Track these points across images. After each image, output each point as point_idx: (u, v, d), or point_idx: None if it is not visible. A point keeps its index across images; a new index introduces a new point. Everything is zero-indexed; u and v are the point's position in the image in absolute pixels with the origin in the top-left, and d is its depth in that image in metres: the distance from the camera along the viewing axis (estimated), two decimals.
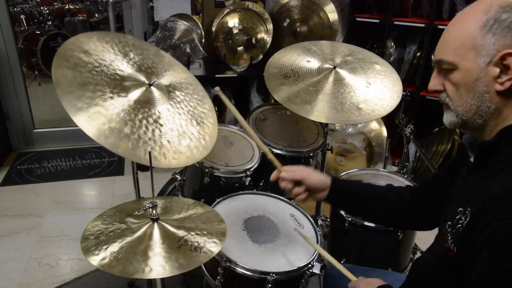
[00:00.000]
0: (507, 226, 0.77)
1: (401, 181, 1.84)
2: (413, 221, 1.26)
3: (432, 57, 2.89)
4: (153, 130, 1.32)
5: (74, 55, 1.32)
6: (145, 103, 1.36)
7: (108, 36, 1.47)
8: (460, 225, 0.88)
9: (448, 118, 0.95)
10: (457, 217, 0.89)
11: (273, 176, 1.30)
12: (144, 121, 1.32)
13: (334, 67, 1.80)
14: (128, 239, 1.14)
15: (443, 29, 0.96)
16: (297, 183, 1.26)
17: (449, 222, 0.92)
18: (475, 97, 0.88)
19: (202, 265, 1.40)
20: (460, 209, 0.89)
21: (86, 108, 1.23)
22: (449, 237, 0.90)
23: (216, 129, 1.52)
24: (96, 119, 1.23)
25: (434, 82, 0.96)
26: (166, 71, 1.54)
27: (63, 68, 1.27)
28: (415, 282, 1.07)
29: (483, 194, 0.84)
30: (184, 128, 1.41)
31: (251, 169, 1.76)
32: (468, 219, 0.86)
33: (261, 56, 3.10)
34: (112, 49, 1.43)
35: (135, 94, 1.36)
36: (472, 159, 0.96)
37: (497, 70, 0.85)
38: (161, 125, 1.35)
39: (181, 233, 1.18)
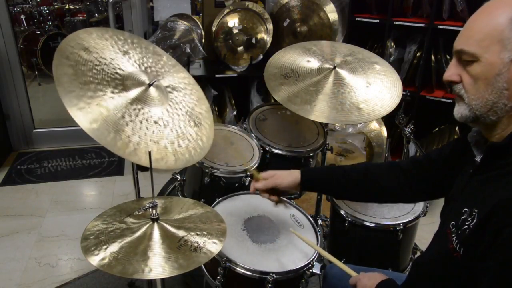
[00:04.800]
0: None
1: None
2: (394, 197, 1.29)
3: (431, 57, 2.89)
4: (153, 132, 1.32)
5: (74, 52, 1.32)
6: (145, 103, 1.36)
7: (108, 33, 1.46)
8: (466, 227, 0.86)
9: (460, 111, 0.91)
10: (462, 218, 0.87)
11: (251, 187, 1.36)
12: (145, 122, 1.31)
13: (334, 67, 1.80)
14: (128, 239, 1.14)
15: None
16: (272, 189, 1.33)
17: (453, 222, 0.90)
18: (493, 92, 0.85)
19: (202, 265, 1.40)
20: (466, 209, 0.87)
21: (87, 107, 1.23)
22: (454, 238, 0.88)
23: (213, 130, 1.52)
24: (96, 119, 1.23)
25: (451, 73, 0.91)
26: (165, 71, 1.54)
27: (64, 66, 1.27)
28: (416, 280, 1.06)
29: (492, 196, 0.82)
30: (182, 129, 1.41)
31: (251, 169, 1.76)
32: (475, 221, 0.84)
33: (261, 56, 3.10)
34: (112, 47, 1.43)
35: (135, 93, 1.36)
36: (477, 159, 0.94)
37: None
38: (160, 126, 1.35)
39: (181, 233, 1.18)
